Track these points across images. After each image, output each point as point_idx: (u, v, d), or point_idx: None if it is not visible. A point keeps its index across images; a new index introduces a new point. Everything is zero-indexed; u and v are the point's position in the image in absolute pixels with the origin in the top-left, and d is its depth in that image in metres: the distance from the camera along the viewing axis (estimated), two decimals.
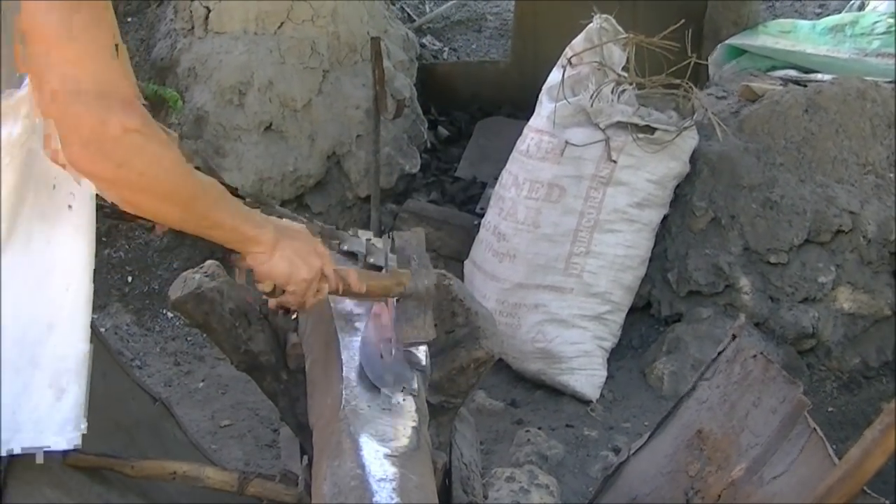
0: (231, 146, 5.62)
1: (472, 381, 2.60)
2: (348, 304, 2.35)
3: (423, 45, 7.55)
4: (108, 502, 2.43)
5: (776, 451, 2.53)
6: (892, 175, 4.90)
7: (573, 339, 4.79)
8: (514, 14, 7.78)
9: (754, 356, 2.82)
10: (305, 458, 2.45)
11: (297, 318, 2.66)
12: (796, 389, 2.58)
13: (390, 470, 1.83)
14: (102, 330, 4.97)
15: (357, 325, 2.30)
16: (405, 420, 1.99)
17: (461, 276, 5.17)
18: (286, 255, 2.10)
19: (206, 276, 2.71)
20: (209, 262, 2.81)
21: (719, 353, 3.00)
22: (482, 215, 5.49)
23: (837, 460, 2.27)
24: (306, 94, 5.72)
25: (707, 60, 5.99)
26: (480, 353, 2.54)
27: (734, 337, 2.98)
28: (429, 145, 6.65)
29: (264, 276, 2.11)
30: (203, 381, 4.94)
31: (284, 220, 2.24)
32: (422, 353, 2.26)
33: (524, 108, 6.01)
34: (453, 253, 5.70)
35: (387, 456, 1.87)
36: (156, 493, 2.59)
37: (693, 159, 4.99)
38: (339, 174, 5.88)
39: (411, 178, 6.22)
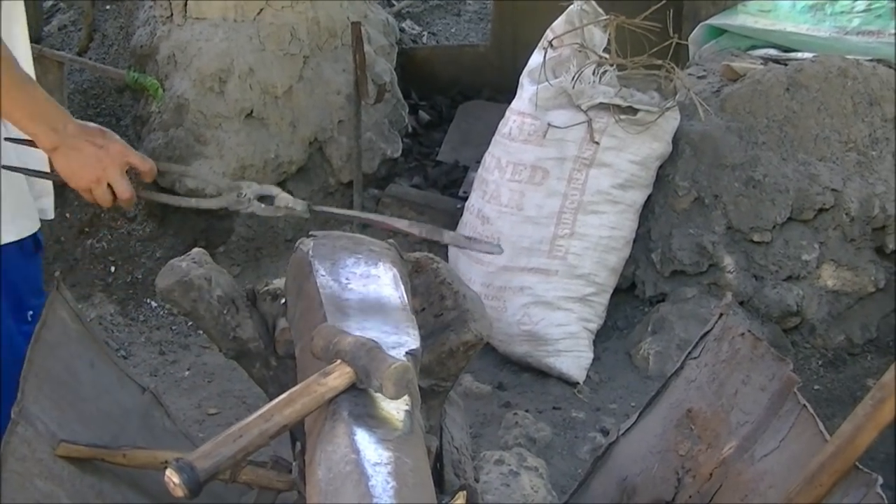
0: (212, 134, 5.60)
1: (461, 364, 2.59)
2: (337, 290, 2.34)
3: (402, 30, 7.54)
4: (100, 492, 2.43)
5: (766, 429, 2.54)
6: (873, 152, 4.91)
7: (559, 322, 4.79)
8: None
9: (742, 334, 2.83)
10: (298, 444, 2.45)
11: (285, 303, 2.66)
12: (785, 367, 2.59)
13: (385, 454, 1.82)
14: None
15: (346, 310, 2.29)
16: (398, 404, 1.98)
17: (445, 260, 5.17)
18: (66, 158, 2.50)
19: (194, 262, 2.70)
20: (196, 249, 2.80)
21: (706, 332, 3.01)
22: (465, 199, 5.49)
23: (828, 436, 2.28)
24: (287, 81, 5.70)
25: (687, 41, 5.99)
26: (469, 337, 2.53)
27: (721, 315, 2.99)
28: (410, 130, 6.65)
29: (55, 164, 2.53)
30: (189, 369, 4.93)
31: (96, 129, 2.57)
32: (412, 336, 2.25)
33: (504, 92, 6.02)
34: None
35: (381, 440, 1.86)
36: (147, 482, 2.59)
37: (675, 139, 4.99)
38: (321, 160, 5.88)
39: (393, 163, 6.22)
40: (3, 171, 2.65)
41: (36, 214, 2.83)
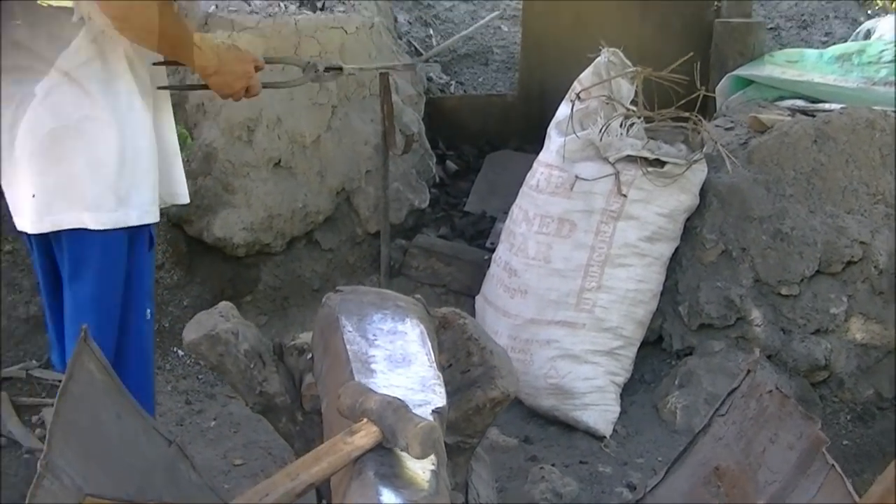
0: (240, 182, 5.62)
1: (487, 420, 2.59)
2: (364, 346, 2.34)
3: (429, 79, 7.56)
4: None
5: (795, 489, 2.52)
6: None
7: (586, 375, 4.77)
8: (521, 47, 7.79)
9: (770, 391, 2.82)
10: (323, 502, 2.45)
11: (312, 358, 2.66)
12: (814, 425, 2.57)
13: None
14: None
15: (373, 367, 2.29)
16: (423, 463, 1.98)
17: (472, 312, 5.16)
18: (223, 77, 3.22)
19: (221, 316, 2.71)
20: (223, 303, 2.81)
21: (734, 389, 2.99)
22: (492, 250, 5.50)
23: (857, 497, 2.26)
24: (315, 130, 5.72)
25: (714, 92, 5.99)
26: (496, 394, 2.53)
27: (749, 372, 2.97)
28: (437, 180, 6.65)
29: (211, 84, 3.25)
30: (215, 419, 4.92)
31: (231, 45, 3.38)
32: (438, 394, 2.25)
33: (531, 142, 6.03)
34: (463, 288, 5.70)
35: (407, 501, 1.86)
36: None
37: (703, 192, 4.99)
38: (348, 210, 5.89)
39: (421, 214, 6.22)
40: (143, 164, 3.13)
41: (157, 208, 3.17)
